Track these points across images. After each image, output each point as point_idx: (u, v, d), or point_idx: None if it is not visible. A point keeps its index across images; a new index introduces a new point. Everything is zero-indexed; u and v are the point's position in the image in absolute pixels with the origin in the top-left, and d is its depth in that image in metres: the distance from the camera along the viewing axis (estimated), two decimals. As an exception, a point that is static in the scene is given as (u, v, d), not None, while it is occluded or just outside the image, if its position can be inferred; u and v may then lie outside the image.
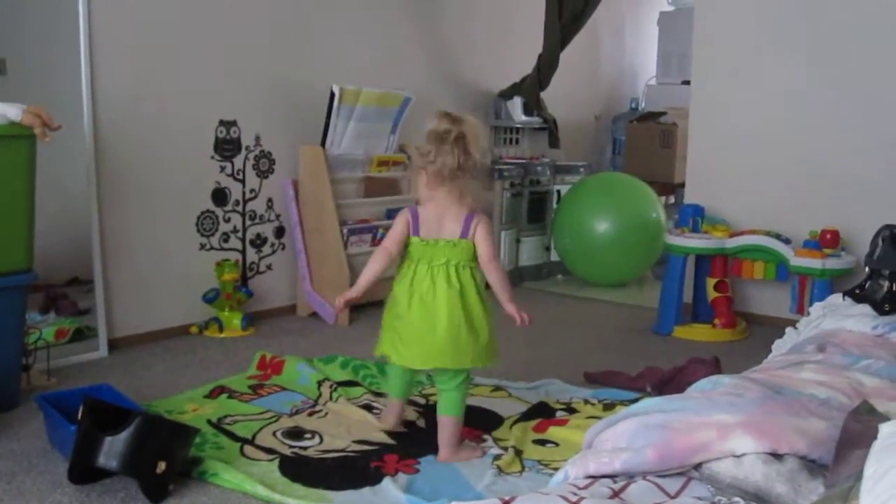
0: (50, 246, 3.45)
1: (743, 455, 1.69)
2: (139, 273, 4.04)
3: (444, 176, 2.62)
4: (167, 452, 2.43)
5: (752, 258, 4.37)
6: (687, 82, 5.44)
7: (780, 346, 3.07)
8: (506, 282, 2.74)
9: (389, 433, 2.90)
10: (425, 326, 2.63)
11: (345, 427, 2.96)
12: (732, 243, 4.37)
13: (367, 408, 3.14)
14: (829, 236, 4.18)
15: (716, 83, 4.75)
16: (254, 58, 4.45)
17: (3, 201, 2.98)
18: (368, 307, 4.64)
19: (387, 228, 4.64)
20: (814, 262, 4.11)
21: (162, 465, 2.40)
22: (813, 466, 1.68)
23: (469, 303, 2.64)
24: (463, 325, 2.63)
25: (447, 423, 2.73)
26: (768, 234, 4.32)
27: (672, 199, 6.57)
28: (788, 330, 3.19)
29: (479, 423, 3.01)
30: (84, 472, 2.46)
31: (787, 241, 4.27)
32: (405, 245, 2.70)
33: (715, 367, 3.51)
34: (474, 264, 2.69)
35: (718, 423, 1.77)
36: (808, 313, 3.28)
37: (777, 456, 1.68)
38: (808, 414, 1.83)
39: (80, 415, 2.44)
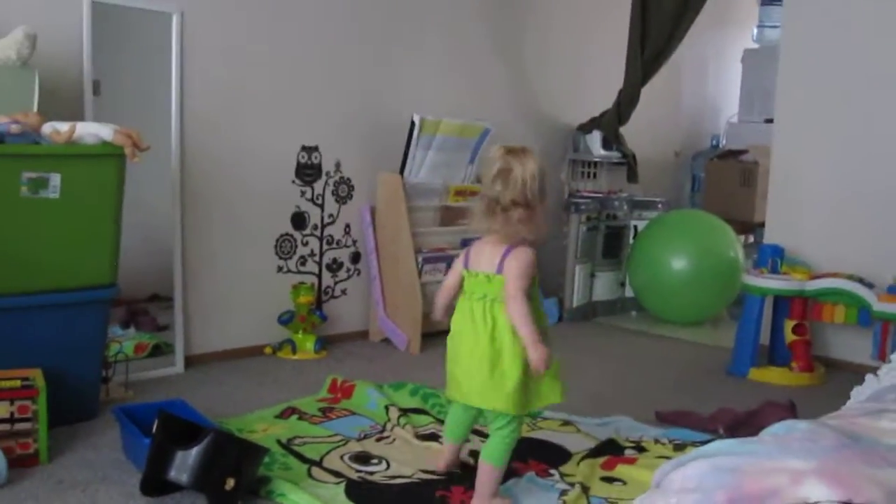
0: (133, 262, 3.54)
1: (816, 503, 1.65)
2: (217, 292, 4.13)
3: (493, 209, 2.52)
4: (236, 470, 2.46)
5: (833, 301, 4.26)
6: (770, 120, 5.36)
7: (859, 393, 2.98)
8: (527, 322, 2.46)
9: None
10: (459, 360, 2.59)
11: (412, 454, 2.97)
12: (812, 286, 4.28)
13: (434, 437, 3.14)
14: (914, 282, 4.07)
15: (799, 122, 4.67)
16: (337, 86, 4.53)
17: (93, 217, 3.09)
18: (439, 336, 4.66)
19: (461, 258, 4.71)
20: (898, 308, 4.00)
21: (231, 483, 2.43)
22: (889, 518, 1.63)
23: (499, 340, 2.50)
24: (486, 363, 2.49)
25: (481, 469, 2.61)
26: (850, 277, 4.22)
27: (751, 239, 6.45)
28: (869, 377, 3.09)
29: (546, 457, 2.99)
30: (155, 484, 2.51)
31: (869, 286, 4.17)
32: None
33: (790, 411, 3.43)
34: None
35: (791, 469, 1.72)
36: (890, 360, 3.18)
37: (852, 505, 1.64)
38: (887, 464, 1.77)
39: (154, 428, 2.50)
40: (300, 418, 3.31)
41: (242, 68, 4.13)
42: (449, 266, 4.59)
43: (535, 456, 2.98)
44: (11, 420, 2.70)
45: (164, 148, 3.82)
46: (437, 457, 2.91)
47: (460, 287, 2.63)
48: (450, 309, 2.69)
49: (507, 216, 2.49)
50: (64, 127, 3.00)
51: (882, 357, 3.99)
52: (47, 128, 3.01)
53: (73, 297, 3.07)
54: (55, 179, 2.97)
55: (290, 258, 4.43)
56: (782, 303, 4.42)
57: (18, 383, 2.75)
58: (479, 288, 2.55)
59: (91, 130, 3.05)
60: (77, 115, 3.42)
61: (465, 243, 4.81)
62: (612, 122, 5.81)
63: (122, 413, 2.85)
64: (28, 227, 2.97)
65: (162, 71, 3.85)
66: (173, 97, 3.86)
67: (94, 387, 3.24)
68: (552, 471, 2.88)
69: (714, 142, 7.41)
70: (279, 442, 3.02)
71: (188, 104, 3.92)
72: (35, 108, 3.16)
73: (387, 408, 3.36)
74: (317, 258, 4.55)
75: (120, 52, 3.76)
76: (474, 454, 2.99)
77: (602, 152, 5.91)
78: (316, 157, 4.47)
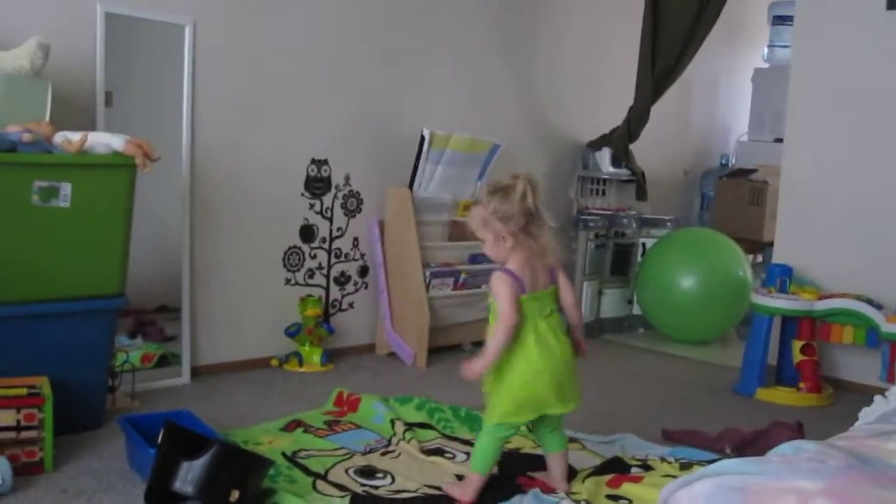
0: (142, 273, 3.55)
1: (823, 524, 1.64)
2: (225, 304, 4.13)
3: (528, 232, 2.65)
4: (241, 482, 2.46)
5: (842, 322, 4.25)
6: (780, 140, 5.36)
7: (867, 415, 2.96)
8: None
9: (460, 478, 2.88)
10: (560, 370, 2.68)
11: (417, 469, 2.96)
12: (821, 306, 4.27)
13: (439, 452, 3.13)
14: (923, 304, 4.06)
15: (809, 142, 4.67)
16: (347, 99, 4.55)
17: (102, 227, 3.10)
18: (445, 351, 4.66)
19: (469, 273, 4.71)
20: (907, 330, 3.99)
21: (235, 494, 2.43)
22: (897, 541, 1.62)
23: (570, 344, 2.75)
24: (574, 363, 2.75)
25: (565, 457, 2.87)
26: (859, 298, 4.20)
27: (760, 258, 6.44)
28: (877, 398, 3.08)
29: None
30: (160, 495, 2.50)
31: (878, 307, 4.15)
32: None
33: (798, 432, 3.41)
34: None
35: (798, 490, 1.72)
36: (899, 382, 3.17)
37: (860, 527, 1.63)
38: (895, 486, 1.76)
39: (159, 439, 2.50)
40: (306, 431, 3.30)
41: (254, 81, 4.15)
42: (458, 281, 4.65)
43: (537, 471, 2.97)
44: (17, 428, 2.70)
45: (175, 159, 3.83)
46: (470, 487, 2.77)
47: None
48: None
49: (537, 236, 2.68)
50: (76, 137, 3.02)
51: (890, 378, 3.98)
52: (59, 137, 3.02)
53: (81, 307, 3.08)
54: (66, 189, 2.99)
55: (298, 271, 4.44)
56: (790, 323, 4.41)
57: (25, 391, 2.76)
58: (547, 304, 2.71)
59: (102, 140, 3.07)
60: (89, 126, 3.43)
61: (474, 259, 4.82)
62: (621, 140, 5.82)
63: (127, 423, 2.86)
64: (38, 235, 2.98)
65: (173, 82, 3.87)
66: (184, 108, 3.88)
67: (100, 396, 3.25)
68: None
69: (723, 160, 7.41)
70: (284, 454, 3.02)
71: (199, 116, 3.94)
72: (47, 118, 3.18)
73: (392, 422, 3.35)
74: (325, 271, 4.56)
75: (132, 64, 3.78)
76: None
77: (611, 169, 5.91)
78: (325, 171, 4.48)
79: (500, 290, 2.62)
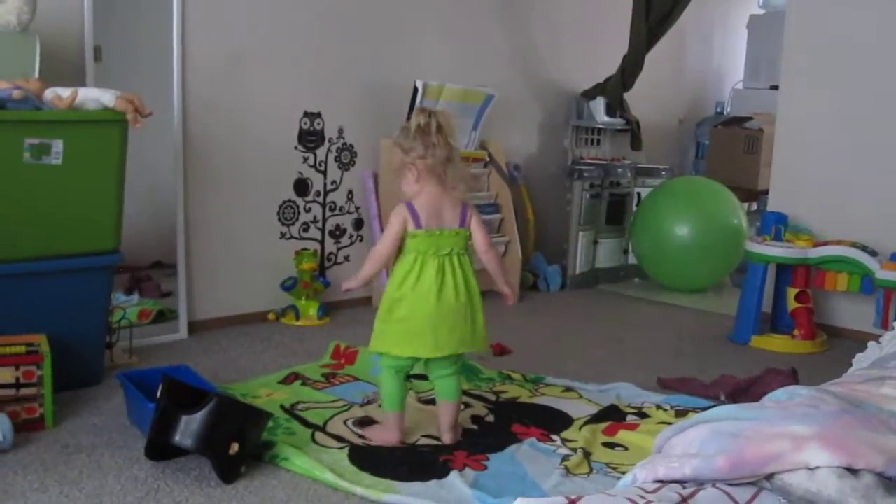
0: (137, 229, 3.55)
1: (817, 468, 1.65)
2: (220, 259, 4.13)
3: (437, 169, 2.68)
4: (240, 434, 2.48)
5: (836, 269, 4.26)
6: (775, 87, 5.33)
7: (861, 361, 2.99)
8: (502, 266, 2.89)
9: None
10: (438, 314, 2.67)
11: (415, 419, 2.98)
12: (815, 253, 4.28)
13: (435, 402, 3.15)
14: (918, 250, 4.07)
15: (805, 89, 4.64)
16: (340, 51, 4.50)
17: (96, 183, 3.09)
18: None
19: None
20: (901, 276, 4.00)
21: (235, 447, 2.45)
22: (890, 484, 1.64)
23: (471, 288, 2.72)
24: (468, 309, 2.71)
25: (453, 407, 2.80)
26: (854, 245, 4.21)
27: (755, 206, 6.44)
28: (871, 344, 3.10)
29: (548, 423, 3.00)
30: (160, 449, 2.53)
31: (873, 254, 4.16)
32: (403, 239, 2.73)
33: (792, 378, 3.43)
34: (467, 251, 2.76)
35: (793, 435, 1.73)
36: (893, 328, 3.19)
37: (852, 471, 1.64)
38: (888, 430, 1.78)
39: (158, 393, 2.51)
40: (303, 384, 3.33)
41: (245, 33, 4.11)
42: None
43: (536, 421, 3.00)
44: (17, 385, 2.72)
45: (167, 114, 3.80)
46: (386, 430, 2.82)
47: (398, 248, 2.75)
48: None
49: (448, 173, 2.72)
50: (66, 93, 2.99)
51: (884, 325, 3.99)
52: (49, 93, 2.99)
53: (76, 264, 3.08)
54: (58, 145, 2.96)
55: (293, 224, 4.43)
56: (785, 270, 4.42)
57: (23, 349, 2.77)
58: (446, 243, 2.70)
59: (93, 96, 3.04)
60: (79, 81, 3.40)
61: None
62: (616, 89, 5.78)
63: (126, 378, 2.87)
64: (31, 193, 2.97)
65: (164, 36, 3.82)
66: (175, 62, 3.84)
67: (98, 353, 3.26)
68: (554, 436, 2.89)
69: (718, 109, 7.38)
70: (283, 407, 3.04)
71: (190, 69, 3.90)
72: (36, 74, 3.14)
73: (390, 374, 3.37)
74: (319, 224, 4.55)
75: (122, 18, 3.74)
76: (476, 419, 3.01)
77: (606, 119, 5.88)
78: (318, 124, 4.45)
79: (390, 221, 2.72)
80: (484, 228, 2.79)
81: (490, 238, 2.83)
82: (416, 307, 2.67)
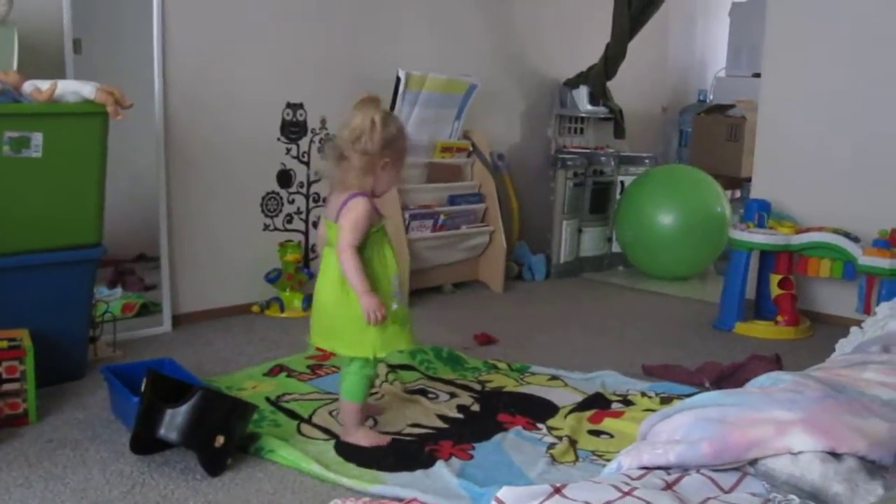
0: (119, 222, 3.52)
1: (800, 453, 1.67)
2: (204, 251, 4.11)
3: (337, 157, 2.63)
4: (226, 427, 2.48)
5: (819, 256, 4.28)
6: (757, 75, 5.35)
7: (843, 346, 3.01)
8: (358, 273, 2.54)
9: (443, 417, 2.92)
10: (326, 308, 2.69)
11: (400, 410, 2.98)
12: (798, 240, 4.30)
13: (422, 392, 3.16)
14: (899, 235, 4.09)
15: (787, 77, 4.66)
16: (322, 42, 4.48)
17: (76, 177, 3.06)
18: (426, 293, 4.68)
19: (448, 214, 4.72)
20: (882, 262, 4.02)
21: (220, 440, 2.44)
22: (872, 467, 1.65)
23: (345, 288, 2.59)
24: (338, 309, 2.62)
25: (343, 406, 2.75)
26: (836, 231, 4.23)
27: (738, 194, 6.46)
28: (853, 329, 3.12)
29: (534, 411, 3.01)
30: (145, 442, 2.51)
31: (855, 240, 4.18)
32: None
33: (776, 364, 3.46)
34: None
35: (776, 420, 1.74)
36: (875, 313, 3.21)
37: (835, 455, 1.66)
38: (870, 414, 1.80)
39: (143, 387, 2.50)
40: (289, 375, 3.32)
41: (226, 26, 4.08)
42: (437, 223, 4.65)
43: (522, 410, 3.00)
44: (0, 380, 2.71)
45: (148, 106, 3.77)
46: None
47: None
48: None
49: (345, 164, 2.60)
50: (45, 85, 2.96)
51: (867, 310, 4.02)
52: (28, 86, 2.97)
53: (58, 257, 3.06)
54: (37, 138, 2.94)
55: (277, 216, 4.42)
56: (768, 257, 4.44)
57: (5, 344, 2.75)
58: (331, 236, 2.63)
59: (72, 88, 3.01)
60: (58, 74, 3.37)
61: (452, 200, 4.82)
62: (599, 77, 5.78)
63: (110, 372, 2.86)
64: (11, 186, 2.94)
65: (144, 27, 3.79)
66: (156, 54, 3.81)
67: (81, 347, 3.24)
68: (539, 425, 2.90)
69: (701, 96, 7.39)
70: (268, 399, 3.03)
71: (171, 61, 3.87)
72: (15, 67, 3.12)
73: (375, 364, 3.37)
74: (303, 216, 4.54)
75: (101, 10, 3.70)
76: (462, 408, 3.02)
77: (589, 107, 5.88)
78: (301, 115, 4.43)
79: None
80: (351, 227, 2.55)
81: (348, 242, 2.54)
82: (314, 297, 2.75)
